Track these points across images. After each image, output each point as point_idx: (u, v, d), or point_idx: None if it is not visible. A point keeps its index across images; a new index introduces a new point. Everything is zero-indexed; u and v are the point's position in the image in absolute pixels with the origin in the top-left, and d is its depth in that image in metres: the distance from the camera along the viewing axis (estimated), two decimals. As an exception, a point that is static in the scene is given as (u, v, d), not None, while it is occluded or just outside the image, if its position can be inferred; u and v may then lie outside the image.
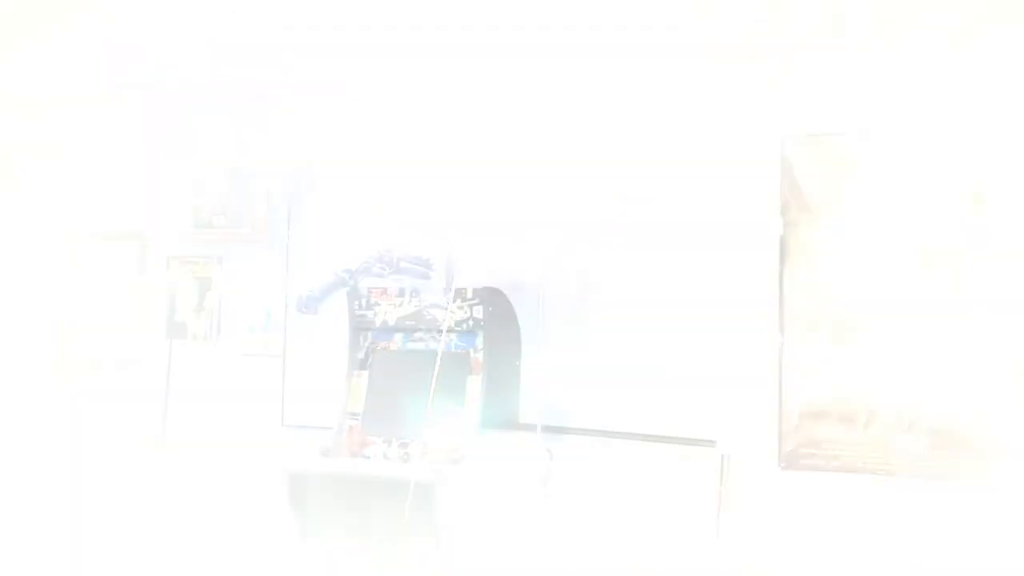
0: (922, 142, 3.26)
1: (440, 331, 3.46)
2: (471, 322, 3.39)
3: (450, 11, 3.64)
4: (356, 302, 3.63)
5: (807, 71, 3.35)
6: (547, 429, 3.43)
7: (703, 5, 3.44)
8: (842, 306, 3.36)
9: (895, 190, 3.32)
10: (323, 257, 4.24)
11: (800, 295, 3.43)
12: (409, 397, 3.42)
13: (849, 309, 3.35)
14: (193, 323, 4.21)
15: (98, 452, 4.39)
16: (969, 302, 3.21)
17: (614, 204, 3.73)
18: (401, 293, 3.55)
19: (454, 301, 3.43)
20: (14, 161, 5.02)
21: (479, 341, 3.40)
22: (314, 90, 4.14)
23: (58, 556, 4.20)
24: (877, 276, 3.33)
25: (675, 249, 3.64)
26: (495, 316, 3.40)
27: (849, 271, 3.37)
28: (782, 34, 3.38)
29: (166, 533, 4.16)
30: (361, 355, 3.61)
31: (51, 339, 4.81)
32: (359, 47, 3.90)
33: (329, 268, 4.22)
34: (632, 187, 3.72)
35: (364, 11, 3.73)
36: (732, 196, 3.54)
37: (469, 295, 3.41)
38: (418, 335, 3.52)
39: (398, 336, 3.57)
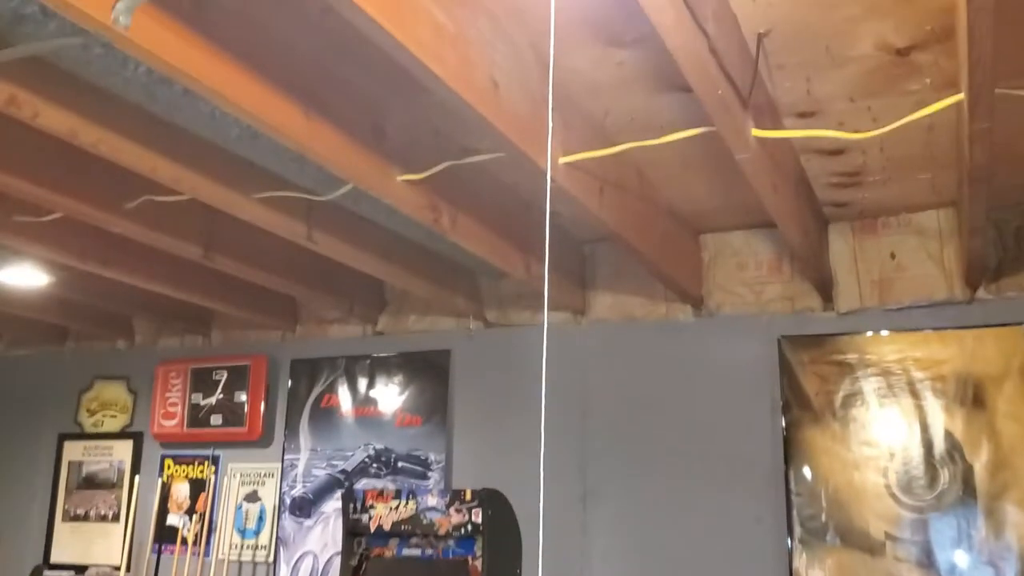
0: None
1: (437, 537, 3.34)
2: (470, 526, 3.28)
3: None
4: (351, 504, 3.51)
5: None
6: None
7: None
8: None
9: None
10: (318, 456, 4.17)
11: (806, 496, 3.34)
12: (404, 610, 3.27)
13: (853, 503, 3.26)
14: (184, 527, 4.08)
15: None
16: (984, 500, 3.13)
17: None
18: (398, 495, 3.45)
19: (452, 504, 3.33)
20: None
21: (478, 547, 3.28)
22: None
23: None
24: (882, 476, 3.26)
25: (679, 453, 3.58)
26: (495, 520, 3.30)
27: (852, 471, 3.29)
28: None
29: None
30: (354, 563, 3.46)
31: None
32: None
33: (324, 468, 4.14)
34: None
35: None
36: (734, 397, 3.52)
37: (468, 497, 3.32)
38: (414, 541, 3.40)
39: (393, 542, 3.45)
